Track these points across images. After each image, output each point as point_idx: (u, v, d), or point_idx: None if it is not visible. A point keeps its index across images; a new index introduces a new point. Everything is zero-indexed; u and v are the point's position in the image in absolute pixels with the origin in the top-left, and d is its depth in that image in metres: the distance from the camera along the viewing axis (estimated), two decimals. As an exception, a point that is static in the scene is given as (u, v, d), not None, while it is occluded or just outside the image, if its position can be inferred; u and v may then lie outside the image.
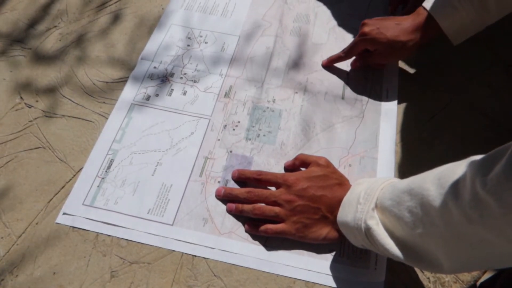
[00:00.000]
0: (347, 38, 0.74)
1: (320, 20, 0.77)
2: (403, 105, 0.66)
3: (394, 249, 0.43)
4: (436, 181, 0.38)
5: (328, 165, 0.56)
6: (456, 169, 0.37)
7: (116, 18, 0.79)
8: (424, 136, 0.63)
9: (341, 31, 0.75)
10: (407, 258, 0.43)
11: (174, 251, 0.54)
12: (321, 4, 0.79)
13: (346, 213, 0.48)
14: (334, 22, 0.77)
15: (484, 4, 0.56)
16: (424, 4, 0.61)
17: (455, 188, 0.36)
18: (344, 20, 0.77)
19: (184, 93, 0.68)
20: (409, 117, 0.65)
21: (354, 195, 0.48)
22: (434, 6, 0.60)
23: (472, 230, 0.35)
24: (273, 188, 0.56)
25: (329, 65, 0.70)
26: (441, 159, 0.60)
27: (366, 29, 0.63)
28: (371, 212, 0.45)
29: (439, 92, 0.68)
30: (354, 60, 0.69)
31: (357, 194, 0.47)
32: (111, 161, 0.61)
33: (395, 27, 0.62)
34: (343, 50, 0.68)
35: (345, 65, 0.70)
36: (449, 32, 0.60)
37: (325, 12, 0.78)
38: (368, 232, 0.45)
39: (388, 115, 0.65)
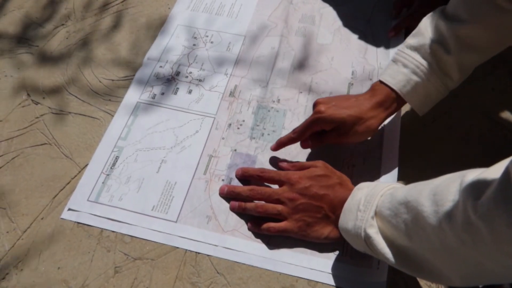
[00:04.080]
0: (352, 39, 0.74)
1: (325, 21, 0.78)
2: (407, 106, 0.66)
3: (393, 258, 0.43)
4: (431, 196, 0.38)
5: (326, 166, 0.56)
6: (450, 186, 0.36)
7: (123, 17, 0.80)
8: (428, 138, 0.63)
9: (346, 32, 0.76)
10: (407, 267, 0.43)
11: (177, 248, 0.55)
12: (326, 5, 0.80)
13: (347, 220, 0.48)
14: (339, 23, 0.77)
15: (446, 71, 0.54)
16: (382, 78, 0.56)
17: (449, 208, 0.35)
18: (349, 21, 0.77)
19: (190, 92, 0.69)
20: (413, 119, 0.65)
21: (354, 201, 0.48)
22: (395, 80, 0.55)
23: (466, 252, 0.35)
24: (276, 186, 0.56)
25: (277, 149, 0.60)
26: (445, 161, 0.61)
27: (322, 107, 0.55)
28: (370, 220, 0.45)
29: (444, 93, 0.68)
30: (305, 141, 0.59)
31: (358, 201, 0.47)
32: (116, 158, 0.62)
33: (354, 103, 0.55)
34: (293, 130, 0.59)
35: (349, 65, 0.71)
36: (415, 104, 0.56)
37: (330, 13, 0.79)
38: (368, 241, 0.45)
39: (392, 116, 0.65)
